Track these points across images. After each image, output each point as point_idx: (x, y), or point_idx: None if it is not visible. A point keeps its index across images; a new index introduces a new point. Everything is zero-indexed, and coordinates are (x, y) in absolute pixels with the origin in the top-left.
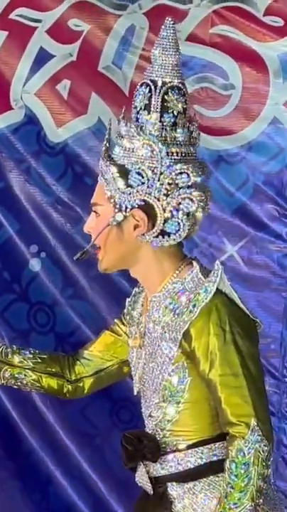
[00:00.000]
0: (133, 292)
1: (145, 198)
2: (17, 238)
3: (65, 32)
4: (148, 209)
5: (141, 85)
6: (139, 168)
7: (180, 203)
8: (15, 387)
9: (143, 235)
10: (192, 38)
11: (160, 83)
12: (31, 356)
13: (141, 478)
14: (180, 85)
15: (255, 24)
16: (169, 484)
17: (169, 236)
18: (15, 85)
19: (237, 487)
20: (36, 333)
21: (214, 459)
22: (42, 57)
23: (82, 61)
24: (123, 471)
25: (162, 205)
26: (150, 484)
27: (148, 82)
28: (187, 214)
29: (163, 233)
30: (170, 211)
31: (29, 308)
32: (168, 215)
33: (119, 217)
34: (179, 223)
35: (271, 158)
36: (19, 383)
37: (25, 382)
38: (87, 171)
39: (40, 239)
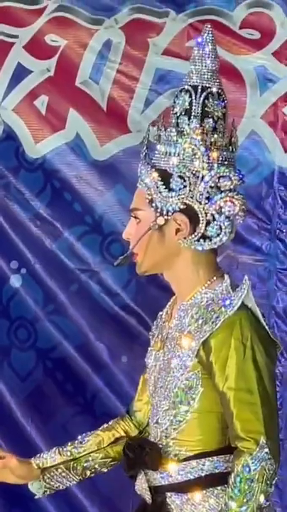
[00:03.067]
0: (166, 308)
1: (187, 201)
2: None
3: (42, 47)
4: (189, 212)
5: (181, 91)
6: (181, 172)
7: (221, 207)
8: (93, 475)
9: (185, 238)
10: (168, 51)
11: (200, 89)
12: (86, 440)
13: (141, 486)
14: (220, 91)
15: (231, 37)
16: (168, 494)
17: (210, 240)
18: None
19: (239, 502)
20: (17, 350)
21: (216, 471)
22: (20, 73)
23: (59, 76)
24: (107, 486)
25: (204, 209)
26: (149, 493)
27: (188, 87)
28: (228, 217)
29: (204, 237)
30: (212, 214)
31: (10, 325)
32: (209, 218)
33: (161, 221)
34: (221, 226)
35: (249, 172)
36: (93, 470)
37: (96, 466)
38: (66, 186)
39: (20, 255)
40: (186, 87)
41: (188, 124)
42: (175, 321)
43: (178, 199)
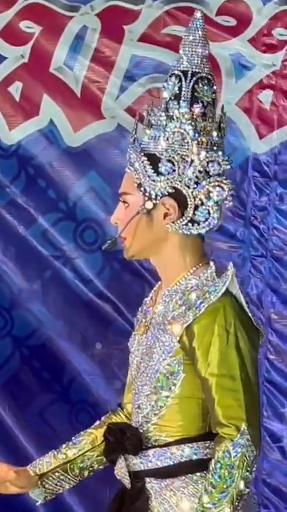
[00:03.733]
0: (151, 293)
1: (176, 185)
2: None
3: (17, 34)
4: (178, 197)
5: (171, 76)
6: (170, 156)
7: (210, 191)
8: (92, 474)
9: (173, 222)
10: (144, 38)
11: (190, 74)
12: (80, 440)
13: (120, 471)
14: (209, 76)
15: (207, 24)
16: (147, 479)
17: (198, 224)
18: None
19: (218, 488)
20: None
21: (195, 457)
22: None
23: (33, 63)
24: None
25: (192, 193)
26: (128, 478)
27: (178, 72)
28: (217, 202)
29: (193, 222)
30: (201, 199)
31: None
32: (198, 202)
33: (149, 205)
34: (209, 211)
35: None
36: (91, 469)
37: (93, 464)
38: (40, 173)
39: None
40: (176, 72)
41: (178, 109)
42: (159, 306)
43: (167, 183)
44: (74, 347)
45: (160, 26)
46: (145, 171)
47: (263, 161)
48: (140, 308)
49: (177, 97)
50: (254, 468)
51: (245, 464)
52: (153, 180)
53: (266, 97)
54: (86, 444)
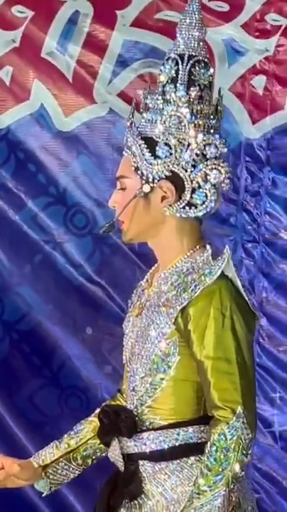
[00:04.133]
0: (146, 276)
1: (173, 168)
2: None
3: (8, 18)
4: (175, 180)
5: (167, 59)
6: (167, 139)
7: (207, 174)
8: (95, 461)
9: (170, 206)
10: (137, 23)
11: (186, 57)
12: (81, 428)
13: (114, 453)
14: (206, 59)
15: None
16: (141, 462)
17: (196, 207)
18: None
19: (214, 470)
20: None
21: (190, 441)
22: None
23: (25, 47)
24: None
25: (189, 176)
26: (122, 461)
27: (175, 56)
28: (214, 185)
29: (190, 205)
30: (198, 182)
31: None
32: (195, 185)
33: (146, 188)
34: (206, 194)
35: None
36: (94, 457)
37: (96, 451)
38: (30, 157)
39: None
40: (172, 55)
41: (174, 92)
42: (154, 288)
43: (164, 166)
44: (65, 331)
45: (152, 11)
46: (143, 155)
47: (256, 146)
48: (135, 291)
49: (174, 81)
50: (250, 451)
51: (241, 446)
52: (151, 164)
53: (259, 82)
54: (87, 433)
